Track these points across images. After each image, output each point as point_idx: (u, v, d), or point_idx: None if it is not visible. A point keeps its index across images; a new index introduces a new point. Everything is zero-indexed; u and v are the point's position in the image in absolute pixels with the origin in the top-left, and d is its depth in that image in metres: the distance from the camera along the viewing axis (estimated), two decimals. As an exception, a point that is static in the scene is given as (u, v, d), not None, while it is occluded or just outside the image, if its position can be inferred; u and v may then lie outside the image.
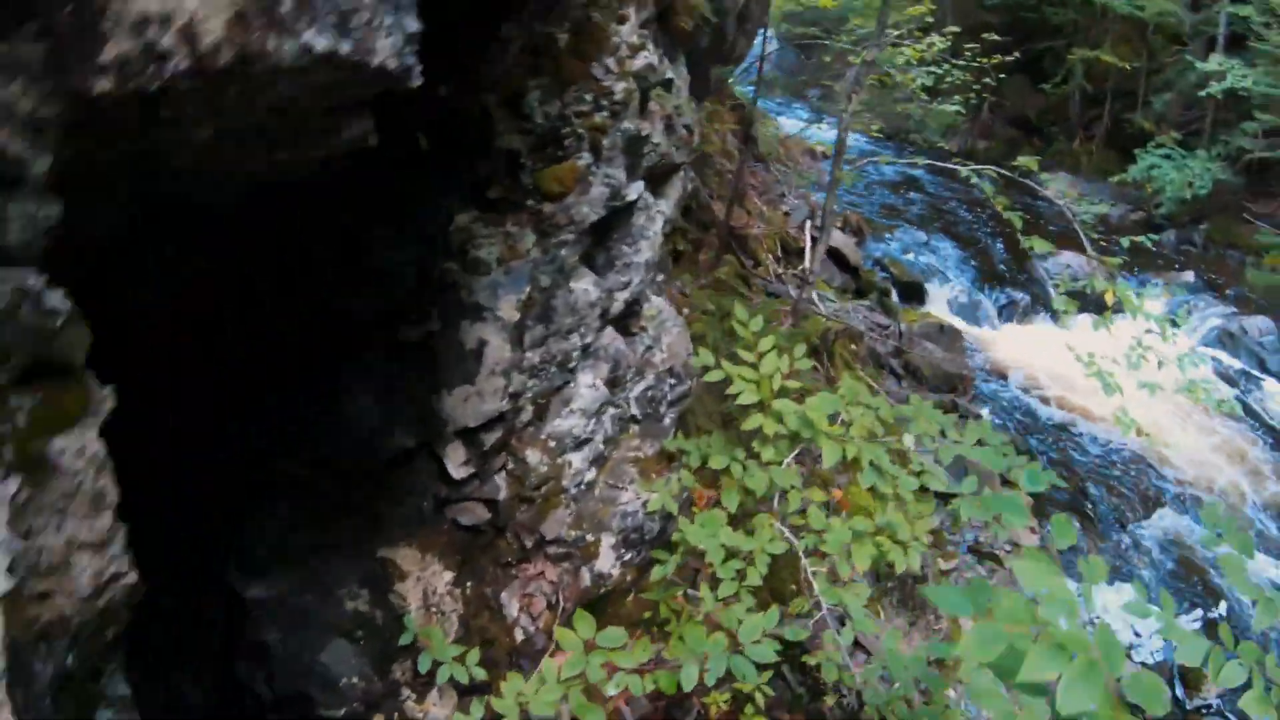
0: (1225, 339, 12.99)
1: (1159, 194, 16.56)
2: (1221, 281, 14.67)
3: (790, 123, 18.65)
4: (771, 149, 14.66)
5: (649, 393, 4.88)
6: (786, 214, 12.25)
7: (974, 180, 6.54)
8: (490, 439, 3.96)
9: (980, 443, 5.02)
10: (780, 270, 10.58)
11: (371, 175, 3.31)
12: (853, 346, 9.26)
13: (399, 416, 4.06)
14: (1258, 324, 13.21)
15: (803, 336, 7.29)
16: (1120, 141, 18.80)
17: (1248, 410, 11.38)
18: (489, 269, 3.79)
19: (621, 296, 4.42)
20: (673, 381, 4.99)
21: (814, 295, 10.27)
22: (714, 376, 4.29)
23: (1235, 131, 16.34)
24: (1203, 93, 16.25)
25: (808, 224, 11.93)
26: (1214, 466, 10.10)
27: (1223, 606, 8.37)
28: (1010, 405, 10.37)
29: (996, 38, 14.12)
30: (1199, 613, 8.22)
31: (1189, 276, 14.59)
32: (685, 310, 6.62)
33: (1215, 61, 16.15)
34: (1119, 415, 5.93)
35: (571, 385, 4.25)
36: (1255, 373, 12.55)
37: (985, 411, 9.94)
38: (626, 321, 4.82)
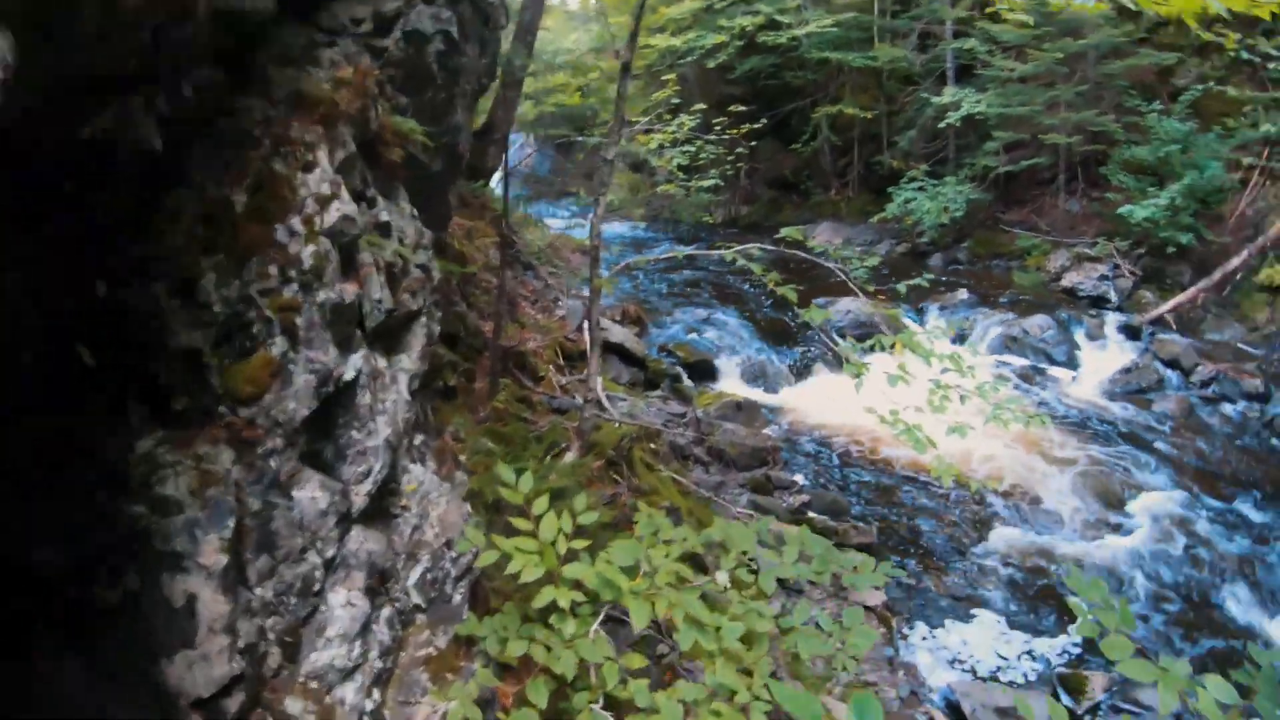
0: (1010, 343, 13.30)
1: (919, 224, 16.99)
2: (993, 291, 15.01)
3: (558, 222, 18.35)
4: (541, 253, 14.22)
5: (429, 575, 4.17)
6: (563, 318, 11.74)
7: (741, 262, 6.13)
8: (234, 704, 3.15)
9: (803, 556, 4.50)
10: (564, 380, 10.02)
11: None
12: (652, 446, 8.73)
13: (119, 695, 3.21)
14: (1036, 322, 13.55)
15: (586, 470, 6.72)
16: (874, 183, 19.38)
17: (1046, 406, 11.52)
18: (181, 507, 3.03)
19: (363, 489, 3.71)
20: (454, 554, 4.29)
21: (602, 397, 9.75)
22: (487, 559, 3.63)
23: (978, 153, 17.15)
24: (942, 124, 17.02)
25: (585, 325, 11.45)
26: (1032, 469, 10.02)
27: (1069, 595, 8.10)
28: (822, 463, 10.03)
29: (743, 108, 14.22)
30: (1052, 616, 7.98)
31: (963, 294, 14.87)
32: (463, 457, 5.92)
33: (949, 94, 16.97)
34: (936, 465, 5.53)
35: (322, 610, 3.49)
36: (1044, 367, 12.95)
37: (799, 477, 9.56)
38: (384, 503, 4.11)
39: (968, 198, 16.63)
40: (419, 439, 4.57)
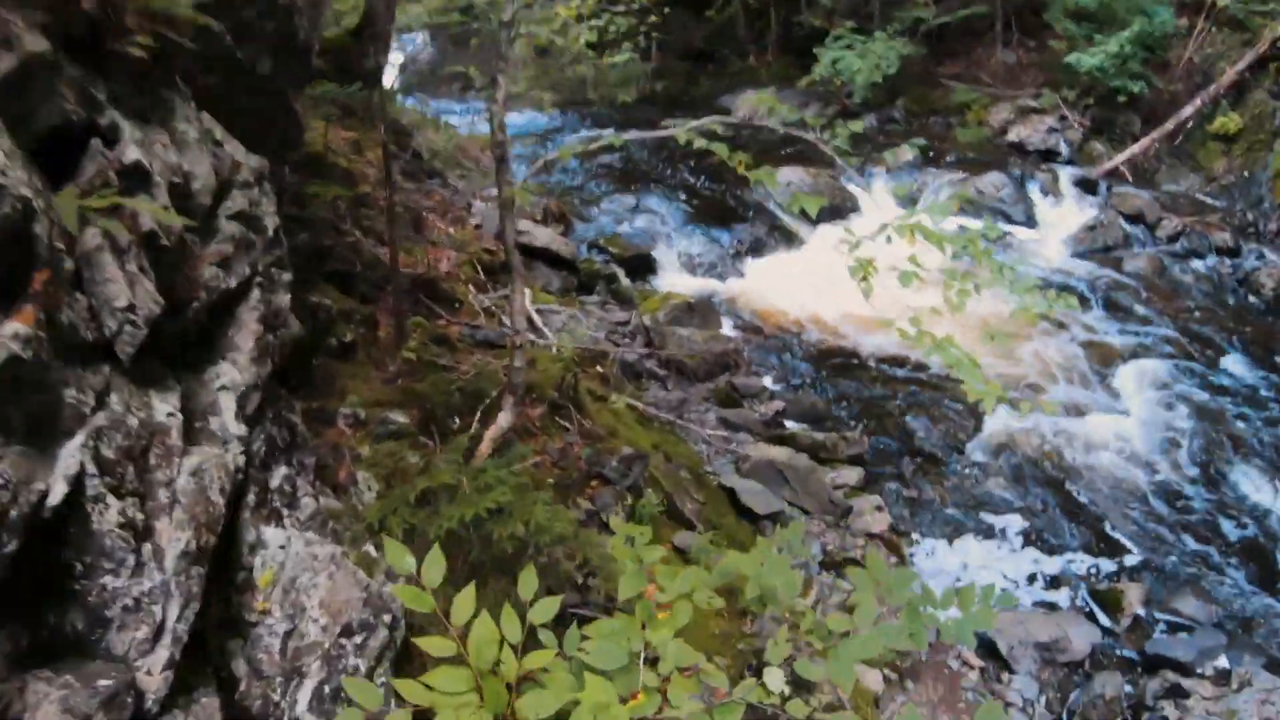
0: (965, 205, 11.94)
1: (849, 84, 15.48)
2: (936, 150, 13.58)
3: (462, 120, 16.42)
4: (446, 158, 12.45)
5: (326, 687, 2.71)
6: (478, 227, 10.12)
7: (699, 142, 4.63)
8: None
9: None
10: (487, 300, 8.47)
11: None
12: (599, 368, 7.28)
13: None
14: (990, 181, 12.32)
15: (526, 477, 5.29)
16: (794, 46, 17.77)
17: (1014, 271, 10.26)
18: None
19: (157, 664, 2.19)
20: (360, 637, 2.83)
21: (534, 315, 8.23)
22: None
23: (907, 5, 15.66)
24: None
25: (504, 233, 9.85)
26: (1014, 344, 8.81)
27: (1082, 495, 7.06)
28: (790, 360, 8.65)
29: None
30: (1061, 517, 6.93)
31: (908, 155, 13.40)
32: (364, 450, 4.42)
33: None
34: (973, 389, 4.15)
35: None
36: (1003, 227, 11.52)
37: (768, 380, 8.18)
38: (236, 608, 2.64)
39: (900, 53, 15.05)
40: (280, 475, 3.07)
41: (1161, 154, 13.19)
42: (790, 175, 12.14)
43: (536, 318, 8.14)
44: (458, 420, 5.52)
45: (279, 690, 2.58)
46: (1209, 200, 12.36)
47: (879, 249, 4.48)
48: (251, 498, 2.84)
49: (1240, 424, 7.96)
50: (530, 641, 2.51)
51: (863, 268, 4.43)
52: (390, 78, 23.73)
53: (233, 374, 2.88)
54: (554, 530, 3.49)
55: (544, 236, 10.11)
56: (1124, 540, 6.70)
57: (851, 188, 12.44)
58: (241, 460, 2.74)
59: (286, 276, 3.53)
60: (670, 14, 17.26)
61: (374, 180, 8.62)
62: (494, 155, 4.66)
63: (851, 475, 6.79)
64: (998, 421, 7.80)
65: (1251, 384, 8.65)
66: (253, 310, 3.09)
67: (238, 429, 2.79)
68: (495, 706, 2.25)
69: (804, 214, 11.60)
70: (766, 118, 6.44)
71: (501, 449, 4.35)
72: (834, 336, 9.00)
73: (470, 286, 8.53)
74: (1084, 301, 9.72)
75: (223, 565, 2.66)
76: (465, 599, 2.42)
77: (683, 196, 12.19)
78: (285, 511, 3.05)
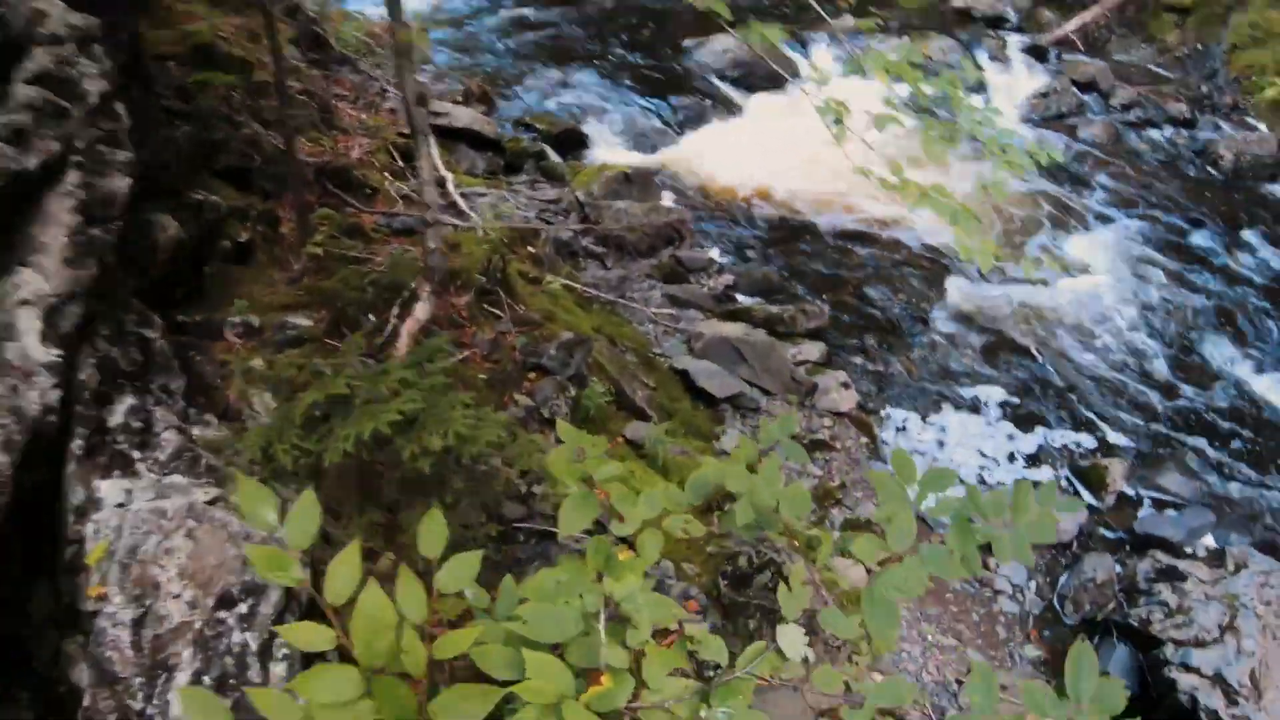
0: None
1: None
2: (879, 15, 12.70)
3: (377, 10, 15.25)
4: (358, 46, 11.49)
5: (205, 677, 2.14)
6: (392, 111, 9.30)
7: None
8: None
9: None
10: (405, 189, 7.74)
11: None
12: (531, 249, 6.63)
13: None
14: (936, 46, 11.64)
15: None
16: None
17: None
18: None
19: None
20: (246, 604, 2.26)
21: (456, 197, 7.52)
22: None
23: None
24: None
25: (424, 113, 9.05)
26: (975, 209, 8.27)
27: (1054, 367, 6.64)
28: (737, 231, 8.04)
29: None
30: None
31: (849, 20, 12.57)
32: (256, 363, 3.80)
33: None
34: (968, 248, 3.62)
35: None
36: (942, 94, 10.84)
37: (715, 252, 7.58)
38: (69, 597, 2.06)
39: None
40: (124, 409, 2.45)
41: (1113, 23, 12.61)
42: (727, 43, 11.33)
43: (460, 200, 7.43)
44: (372, 318, 4.89)
45: (139, 695, 2.01)
46: (1162, 71, 11.90)
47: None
48: (79, 444, 2.23)
49: (1210, 294, 7.65)
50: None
51: (834, 109, 3.79)
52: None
53: (37, 283, 2.24)
54: (480, 439, 2.90)
55: (465, 117, 9.33)
56: (1101, 413, 6.35)
57: (791, 54, 11.67)
58: (56, 396, 2.12)
59: (123, 156, 2.85)
60: None
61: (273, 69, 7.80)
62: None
63: (813, 350, 6.28)
64: (961, 289, 7.34)
65: (1218, 254, 8.29)
66: (65, 198, 2.43)
67: (46, 354, 2.16)
68: (398, 715, 1.65)
69: (736, 81, 10.93)
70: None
71: (421, 346, 3.73)
72: (782, 205, 8.39)
73: (386, 174, 7.79)
74: (1039, 167, 9.16)
75: (45, 539, 2.06)
76: (346, 563, 1.78)
77: (614, 70, 11.36)
78: (137, 455, 2.44)
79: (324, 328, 4.67)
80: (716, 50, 11.31)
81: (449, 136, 9.04)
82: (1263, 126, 10.48)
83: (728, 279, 7.15)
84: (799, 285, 7.26)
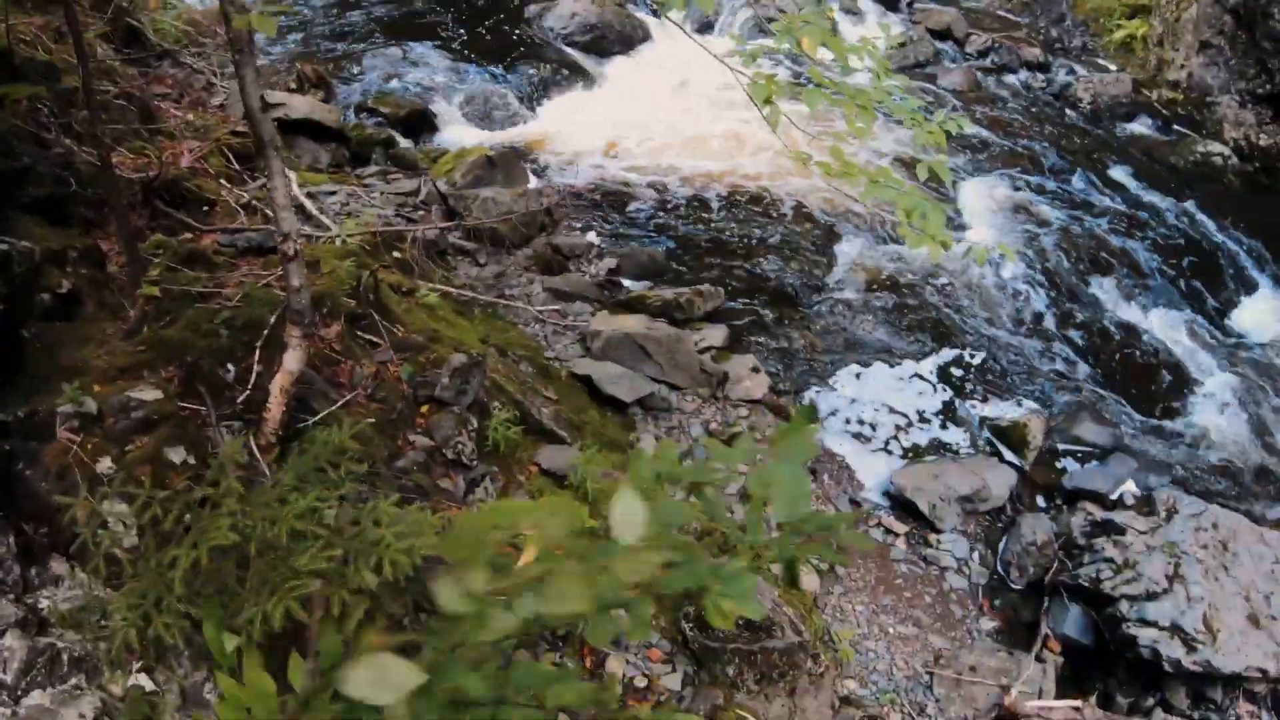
0: (765, 25, 10.67)
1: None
2: None
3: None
4: (178, 36, 10.25)
5: None
6: (221, 107, 8.29)
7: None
8: None
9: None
10: (245, 195, 6.81)
11: None
12: (397, 254, 5.84)
13: None
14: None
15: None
16: None
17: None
18: None
19: None
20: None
21: (306, 204, 6.65)
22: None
23: None
24: None
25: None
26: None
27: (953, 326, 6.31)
28: (610, 209, 7.37)
29: None
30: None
31: None
32: (110, 513, 3.01)
33: None
34: (827, 165, 3.12)
35: None
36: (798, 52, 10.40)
37: (592, 235, 6.91)
38: None
39: None
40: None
41: None
42: (573, 6, 10.54)
43: (308, 203, 6.57)
44: (231, 369, 4.09)
45: None
46: (1011, 17, 11.81)
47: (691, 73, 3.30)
48: None
49: (1091, 236, 7.47)
50: None
51: (765, 88, 3.18)
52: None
53: None
54: (417, 548, 2.21)
55: (303, 106, 8.38)
56: (1009, 369, 6.13)
57: (640, 15, 10.98)
58: None
59: None
60: None
61: (104, 71, 6.72)
62: None
63: (716, 335, 5.74)
64: (850, 253, 6.93)
65: (1092, 196, 8.14)
66: None
67: None
68: None
69: (588, 46, 10.18)
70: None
71: (310, 445, 2.97)
72: (652, 177, 7.76)
73: (222, 181, 6.83)
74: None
75: None
76: None
77: (457, 42, 10.44)
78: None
79: (176, 390, 3.86)
80: (563, 15, 10.54)
81: (287, 130, 8.07)
82: (1113, 67, 10.50)
83: (610, 263, 6.52)
84: (686, 263, 6.69)
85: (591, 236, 6.80)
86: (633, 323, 5.47)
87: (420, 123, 8.92)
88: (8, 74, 5.65)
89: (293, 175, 7.19)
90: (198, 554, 2.02)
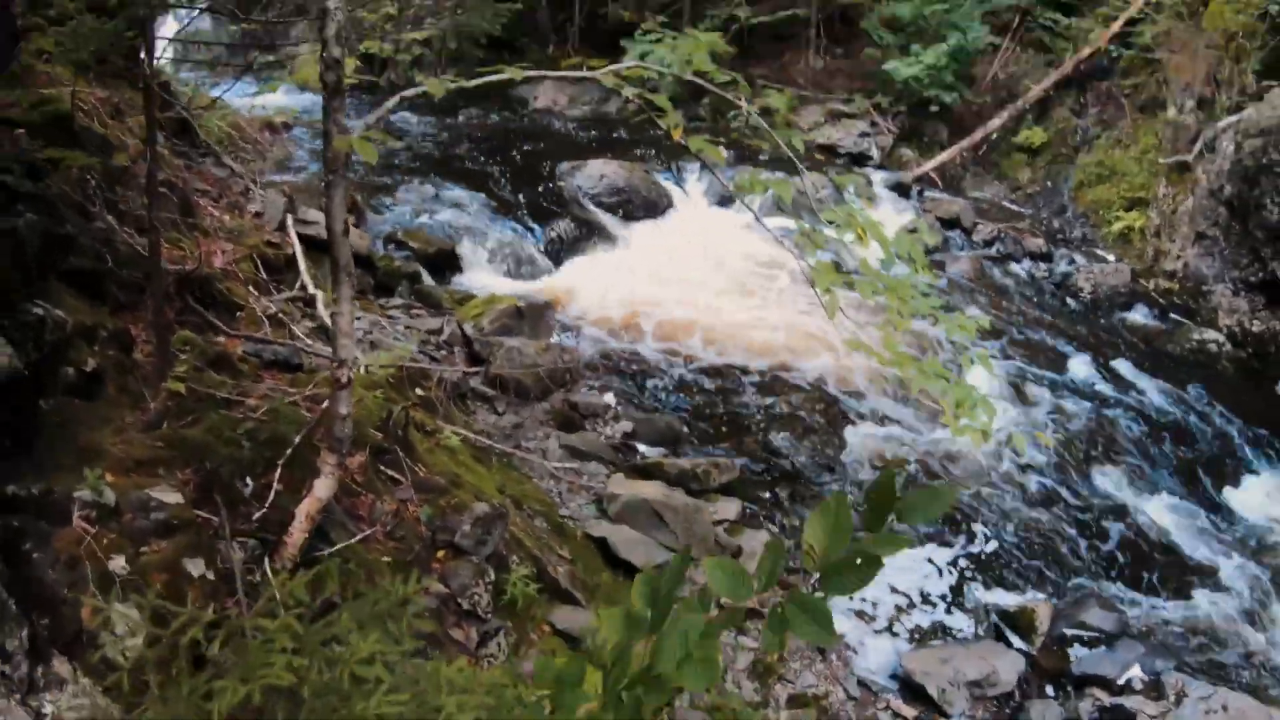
0: (783, 204, 10.99)
1: (653, 80, 14.25)
2: (748, 149, 12.63)
3: (240, 101, 14.11)
4: (223, 137, 10.34)
5: None
6: (258, 215, 8.25)
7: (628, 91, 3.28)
8: None
9: None
10: (272, 305, 6.68)
11: None
12: (420, 391, 5.68)
13: None
14: (813, 181, 11.30)
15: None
16: (598, 39, 16.34)
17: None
18: None
19: None
20: None
21: (325, 319, 6.52)
22: None
23: (721, 4, 14.72)
24: None
25: (289, 220, 8.03)
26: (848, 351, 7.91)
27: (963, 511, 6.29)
28: (630, 372, 7.31)
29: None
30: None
31: (721, 152, 12.34)
32: (119, 617, 2.78)
33: None
34: (880, 354, 3.03)
35: None
36: (823, 228, 10.60)
37: (610, 396, 6.80)
38: None
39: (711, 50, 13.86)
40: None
41: (967, 162, 13.10)
42: (603, 169, 10.79)
43: (331, 324, 6.44)
44: (250, 483, 3.87)
45: None
46: (1016, 208, 12.25)
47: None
48: None
49: (1093, 423, 7.48)
50: None
51: (827, 276, 3.13)
52: (161, 46, 20.74)
53: None
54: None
55: (335, 228, 8.35)
56: (1015, 553, 6.06)
57: (665, 183, 11.26)
58: None
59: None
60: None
61: (135, 152, 6.67)
62: (322, 82, 3.04)
63: (730, 508, 5.58)
64: (861, 434, 6.85)
65: (1094, 383, 8.20)
66: None
67: None
68: None
69: (614, 208, 10.33)
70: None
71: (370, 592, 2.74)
72: (671, 342, 7.73)
73: (251, 288, 6.72)
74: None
75: None
76: None
77: (490, 188, 10.63)
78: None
79: (194, 497, 3.62)
80: (592, 175, 10.75)
81: (316, 248, 8.03)
82: (1112, 257, 10.76)
83: (626, 426, 6.38)
84: (701, 433, 6.58)
85: (609, 398, 6.68)
86: (650, 489, 5.31)
87: (447, 262, 8.92)
88: (66, 140, 5.60)
89: (319, 294, 7.11)
90: (250, 689, 1.78)
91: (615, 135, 13.69)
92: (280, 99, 15.82)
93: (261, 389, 4.69)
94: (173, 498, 3.16)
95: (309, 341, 6.16)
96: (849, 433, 6.80)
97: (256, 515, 3.62)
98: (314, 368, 5.57)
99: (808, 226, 3.53)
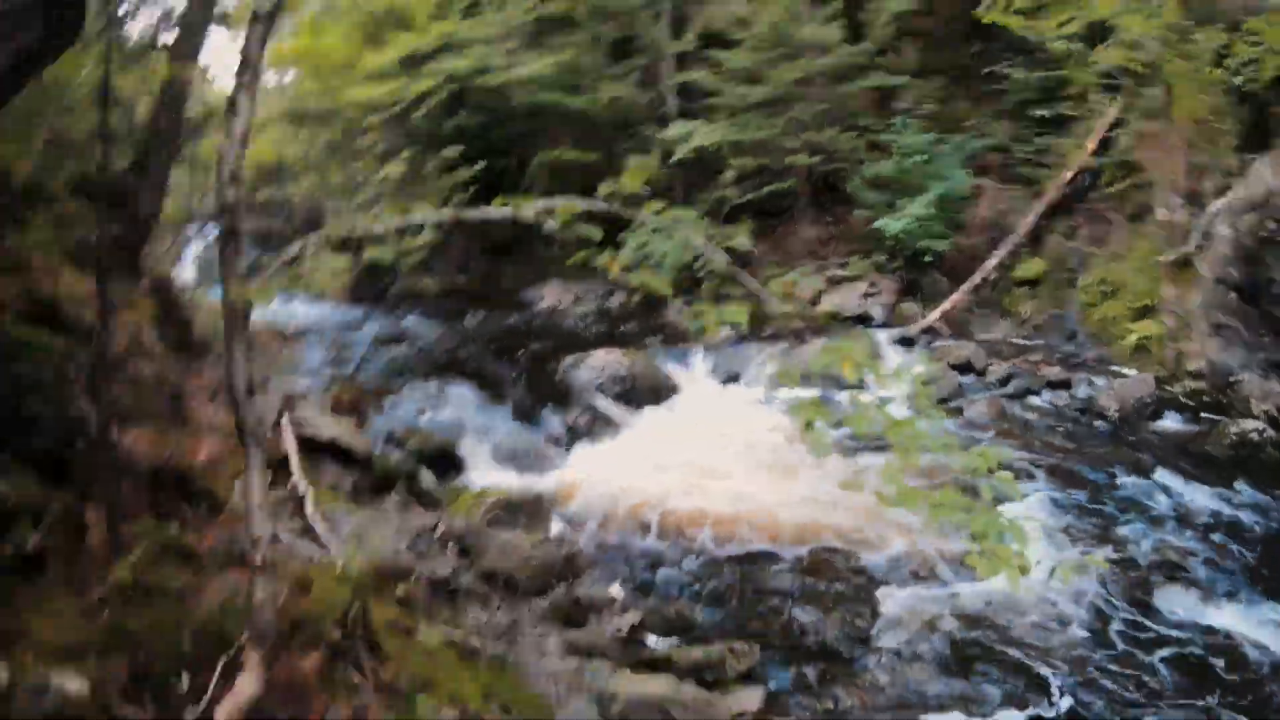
0: (786, 377, 10.98)
1: (657, 269, 14.52)
2: (751, 324, 12.44)
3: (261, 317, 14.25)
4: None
5: None
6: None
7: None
8: None
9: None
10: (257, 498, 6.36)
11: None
12: (402, 590, 5.25)
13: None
14: (812, 350, 11.22)
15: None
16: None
17: (853, 438, 9.02)
18: None
19: None
20: None
21: (313, 518, 6.18)
22: None
23: (710, 187, 15.00)
24: (672, 160, 14.90)
25: (284, 421, 7.81)
26: (877, 512, 7.32)
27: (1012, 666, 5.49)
28: (638, 559, 6.81)
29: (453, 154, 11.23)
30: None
31: (725, 331, 12.30)
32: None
33: (678, 128, 15.08)
34: (884, 494, 2.63)
35: None
36: (834, 395, 10.14)
37: (616, 587, 6.32)
38: None
39: (705, 234, 14.02)
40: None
41: (970, 305, 13.00)
42: (605, 359, 10.67)
43: (319, 524, 6.09)
44: (187, 678, 3.44)
45: None
46: (1025, 341, 12.04)
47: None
48: None
49: (1146, 543, 6.79)
50: None
51: (807, 409, 2.83)
52: (188, 268, 21.34)
53: None
54: None
55: (333, 428, 8.13)
56: (1084, 702, 5.14)
57: (669, 368, 11.13)
58: None
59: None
60: (475, 205, 15.90)
61: (126, 344, 6.52)
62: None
63: (752, 698, 4.95)
64: (894, 597, 6.22)
65: (1139, 500, 7.53)
66: None
67: None
68: None
69: (619, 397, 10.11)
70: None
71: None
72: (681, 527, 7.24)
73: (236, 484, 6.40)
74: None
75: None
76: None
77: (492, 385, 10.46)
78: None
79: (119, 688, 3.20)
80: (596, 366, 10.62)
81: (313, 449, 7.78)
82: (1132, 370, 10.35)
83: (634, 617, 5.83)
84: (717, 618, 6.02)
85: (615, 589, 6.20)
86: (657, 685, 4.76)
87: (447, 460, 8.62)
88: (54, 328, 5.46)
89: (309, 491, 6.79)
90: None
91: (618, 328, 13.73)
92: (297, 308, 16.05)
93: (221, 584, 4.30)
94: (75, 685, 2.74)
95: (291, 541, 5.80)
96: (881, 596, 6.21)
97: (190, 716, 3.19)
98: (278, 566, 5.19)
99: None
